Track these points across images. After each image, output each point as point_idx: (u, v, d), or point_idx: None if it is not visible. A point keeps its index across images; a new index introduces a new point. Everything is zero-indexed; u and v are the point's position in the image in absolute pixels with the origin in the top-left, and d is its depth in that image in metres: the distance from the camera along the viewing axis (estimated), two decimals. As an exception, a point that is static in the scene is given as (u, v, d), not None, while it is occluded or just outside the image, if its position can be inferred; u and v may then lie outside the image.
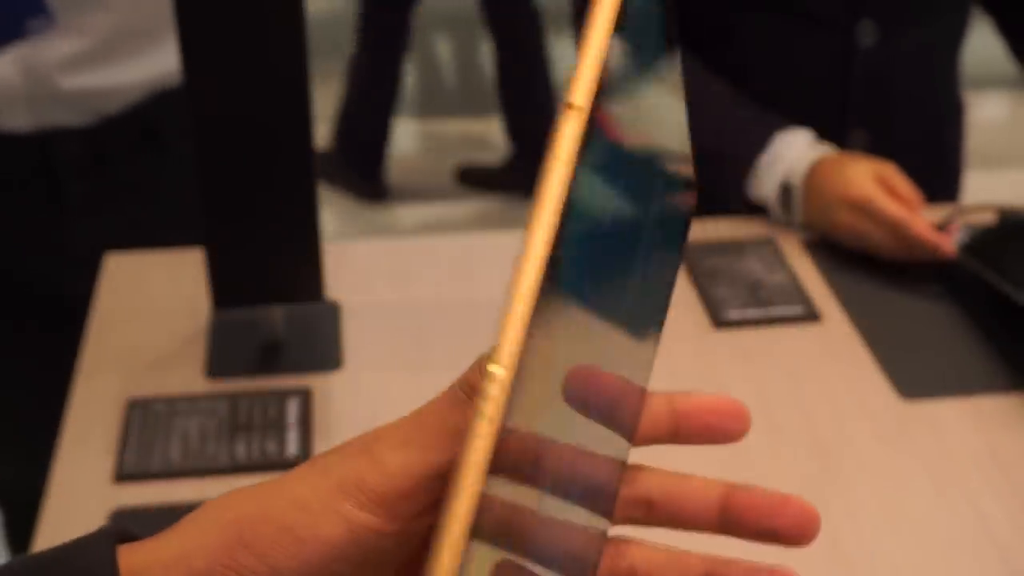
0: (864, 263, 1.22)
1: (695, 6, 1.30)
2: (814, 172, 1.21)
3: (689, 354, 1.10)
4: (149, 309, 1.15)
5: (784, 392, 1.05)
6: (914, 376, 1.06)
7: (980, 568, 0.88)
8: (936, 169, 1.41)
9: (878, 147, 1.32)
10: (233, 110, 0.97)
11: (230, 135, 0.98)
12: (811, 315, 1.14)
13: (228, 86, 0.96)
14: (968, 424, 1.01)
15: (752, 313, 1.14)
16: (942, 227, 1.21)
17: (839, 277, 1.20)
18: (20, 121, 1.18)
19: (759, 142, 1.24)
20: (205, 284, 1.08)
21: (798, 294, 1.17)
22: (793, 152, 1.23)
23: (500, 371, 0.27)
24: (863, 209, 1.17)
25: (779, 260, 1.21)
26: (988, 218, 1.24)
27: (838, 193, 1.19)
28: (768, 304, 1.15)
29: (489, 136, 3.33)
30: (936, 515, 0.92)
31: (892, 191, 1.18)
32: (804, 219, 1.24)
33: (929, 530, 0.91)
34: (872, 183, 1.18)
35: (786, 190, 1.23)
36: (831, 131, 1.31)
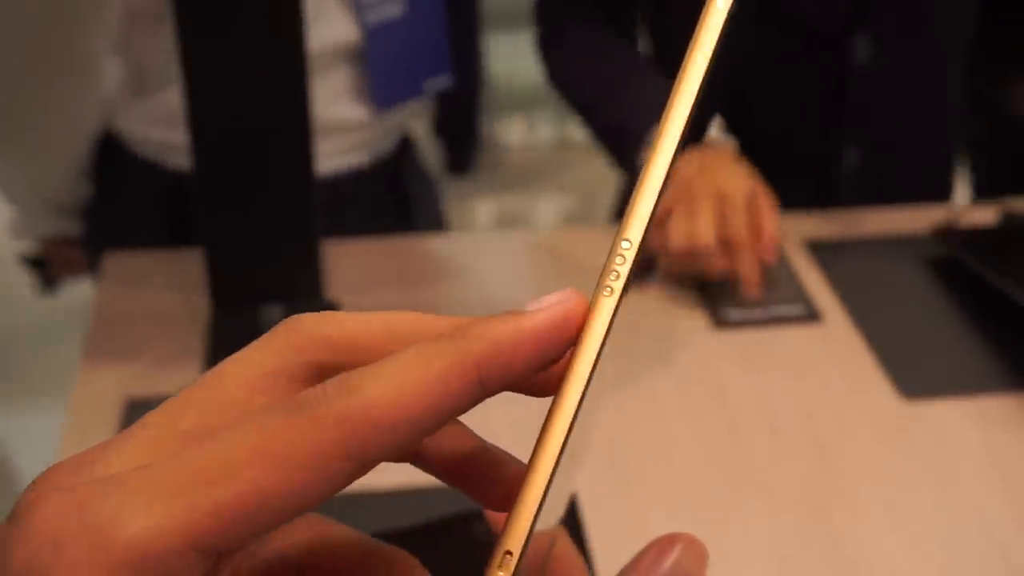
0: (864, 263, 1.22)
1: (684, 19, 1.28)
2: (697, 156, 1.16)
3: (689, 355, 1.09)
4: (149, 309, 1.14)
5: (785, 392, 1.05)
6: (915, 376, 1.06)
7: (980, 568, 0.88)
8: (931, 183, 1.39)
9: (872, 165, 1.31)
10: (232, 110, 0.97)
11: (229, 135, 0.98)
12: (812, 315, 1.14)
13: (227, 85, 0.96)
14: (968, 424, 1.01)
15: (753, 313, 1.14)
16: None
17: (840, 277, 1.20)
18: None
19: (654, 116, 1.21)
20: (205, 284, 1.08)
21: (798, 294, 1.17)
22: None
23: (629, 245, 0.26)
24: (720, 198, 1.12)
25: (779, 260, 1.21)
26: (988, 218, 1.24)
27: (709, 178, 1.14)
28: (768, 304, 1.15)
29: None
30: (936, 515, 0.92)
31: (756, 208, 1.13)
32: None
33: (929, 530, 0.91)
34: (745, 187, 1.14)
35: None
36: (824, 149, 1.30)
